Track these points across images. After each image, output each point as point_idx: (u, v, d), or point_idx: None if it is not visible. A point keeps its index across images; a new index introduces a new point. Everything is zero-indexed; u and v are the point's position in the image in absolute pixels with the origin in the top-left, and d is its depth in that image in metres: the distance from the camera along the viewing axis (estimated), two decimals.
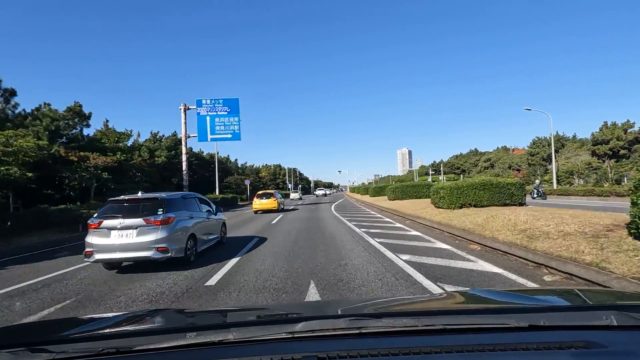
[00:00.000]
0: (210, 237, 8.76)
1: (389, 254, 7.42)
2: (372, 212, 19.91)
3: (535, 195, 25.72)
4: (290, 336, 1.12)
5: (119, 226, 6.55)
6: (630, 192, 5.62)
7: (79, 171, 22.59)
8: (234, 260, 7.38)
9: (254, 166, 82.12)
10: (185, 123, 23.14)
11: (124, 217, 6.63)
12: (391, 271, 5.93)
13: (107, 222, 6.59)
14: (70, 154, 22.80)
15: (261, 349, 1.07)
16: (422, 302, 2.25)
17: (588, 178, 46.79)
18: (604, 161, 49.65)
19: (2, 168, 15.31)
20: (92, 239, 6.62)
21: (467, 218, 10.74)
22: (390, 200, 26.23)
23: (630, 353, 1.04)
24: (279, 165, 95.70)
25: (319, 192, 74.05)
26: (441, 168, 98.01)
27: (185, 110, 23.20)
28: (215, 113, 22.96)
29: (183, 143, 23.72)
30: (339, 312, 1.52)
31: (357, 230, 11.76)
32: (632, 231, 5.77)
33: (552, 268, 5.52)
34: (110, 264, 6.99)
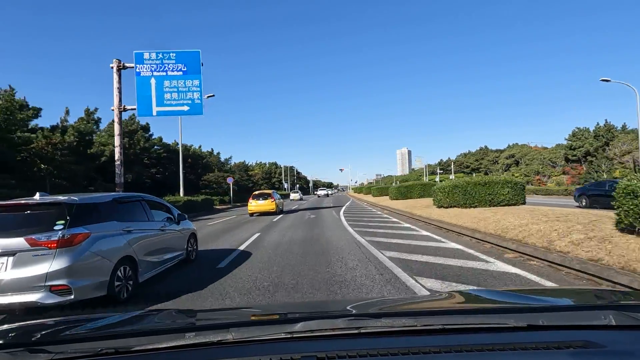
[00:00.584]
0: (168, 255, 6.32)
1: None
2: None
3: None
4: (289, 336, 1.12)
5: None
6: None
7: None
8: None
9: (246, 163, 69.74)
10: (119, 89, 15.70)
11: None
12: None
13: None
14: None
15: (260, 349, 1.07)
16: (421, 302, 2.26)
17: None
18: None
19: None
20: None
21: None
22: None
23: (629, 353, 1.04)
24: (275, 163, 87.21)
25: (320, 192, 71.31)
26: (452, 167, 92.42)
27: (119, 70, 15.64)
28: (165, 74, 15.64)
29: (115, 119, 16.14)
30: (338, 312, 1.52)
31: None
32: None
33: None
34: None
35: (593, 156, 53.83)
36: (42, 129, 24.71)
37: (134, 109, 16.30)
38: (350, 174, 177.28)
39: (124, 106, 16.07)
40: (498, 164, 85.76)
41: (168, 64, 15.82)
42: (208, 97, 26.89)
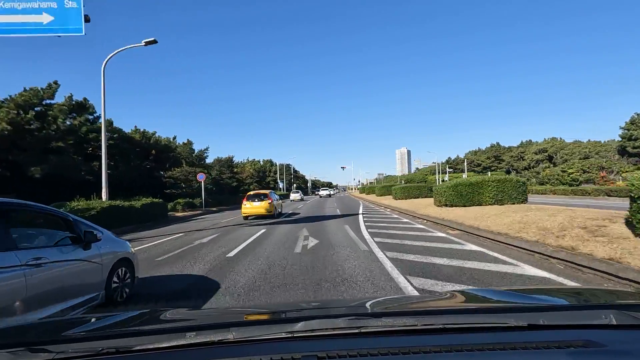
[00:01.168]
0: (53, 305, 3.59)
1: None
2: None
3: None
4: (289, 336, 1.11)
5: None
6: None
7: None
8: None
9: (232, 158, 53.24)
10: None
11: None
12: None
13: None
14: None
15: (261, 349, 1.07)
16: (421, 301, 2.25)
17: None
18: None
19: None
20: None
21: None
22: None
23: (629, 352, 1.04)
24: (270, 161, 76.69)
25: (322, 192, 65.53)
26: (465, 165, 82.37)
27: None
28: None
29: None
30: (339, 312, 1.52)
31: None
32: None
33: None
34: None
35: None
36: None
37: None
38: (353, 172, 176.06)
39: None
40: (524, 160, 75.13)
41: None
42: (148, 42, 15.41)
